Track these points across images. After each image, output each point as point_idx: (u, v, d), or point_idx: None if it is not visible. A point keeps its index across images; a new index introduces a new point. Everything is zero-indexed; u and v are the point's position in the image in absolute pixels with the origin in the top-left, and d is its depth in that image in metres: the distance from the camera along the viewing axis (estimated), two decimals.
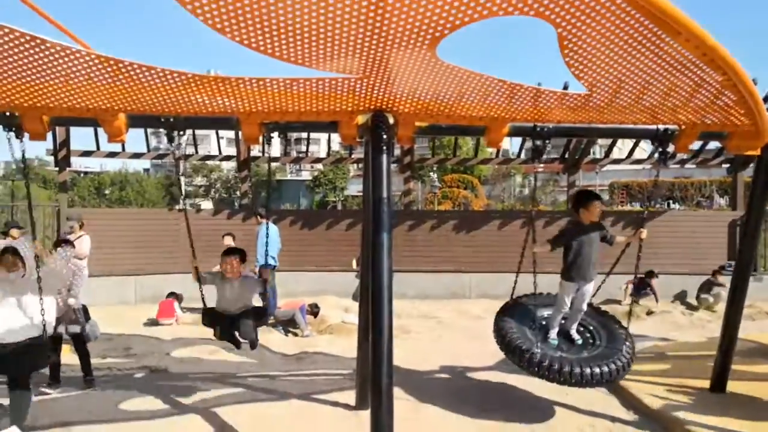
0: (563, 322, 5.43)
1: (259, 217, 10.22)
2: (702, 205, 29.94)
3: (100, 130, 4.57)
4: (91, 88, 3.66)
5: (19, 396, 4.68)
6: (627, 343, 5.24)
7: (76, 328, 6.23)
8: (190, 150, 13.94)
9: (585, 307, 5.38)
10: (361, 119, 4.31)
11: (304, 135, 14.91)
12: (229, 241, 9.41)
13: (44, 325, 4.54)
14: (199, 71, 3.39)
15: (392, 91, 3.76)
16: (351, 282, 10.38)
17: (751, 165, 8.77)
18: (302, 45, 2.86)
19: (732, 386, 5.86)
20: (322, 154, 16.12)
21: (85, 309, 6.36)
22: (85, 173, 50.44)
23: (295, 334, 9.09)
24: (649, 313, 10.94)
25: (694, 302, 11.72)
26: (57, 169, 12.53)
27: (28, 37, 2.88)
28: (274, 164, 27.67)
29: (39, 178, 45.61)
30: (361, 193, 16.99)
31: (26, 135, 4.32)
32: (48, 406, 5.68)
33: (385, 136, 4.15)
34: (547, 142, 4.75)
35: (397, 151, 13.41)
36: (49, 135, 8.30)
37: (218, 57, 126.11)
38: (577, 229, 5.28)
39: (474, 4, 2.49)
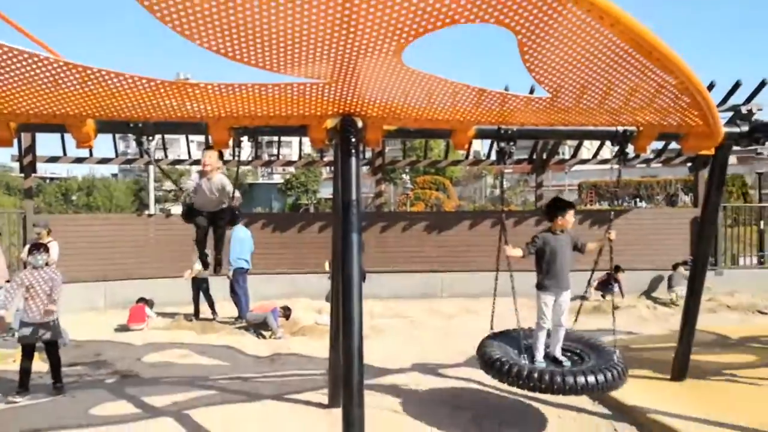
0: (547, 348, 5.19)
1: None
2: (674, 202, 30.70)
3: (67, 136, 4.53)
4: (59, 95, 3.66)
5: None
6: (617, 353, 5.03)
7: (50, 335, 6.19)
8: (159, 154, 13.80)
9: (564, 321, 5.21)
10: (330, 123, 4.37)
11: (276, 138, 14.85)
12: None
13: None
14: (168, 76, 3.42)
15: (360, 96, 3.85)
16: (324, 284, 10.41)
17: None
18: (271, 51, 2.92)
19: (691, 375, 6.15)
20: (294, 157, 16.07)
21: None
22: (52, 179, 49.37)
23: (268, 337, 9.10)
24: (615, 308, 11.18)
25: (659, 296, 12.09)
26: (22, 175, 12.28)
27: None
28: (245, 167, 27.55)
29: (3, 184, 44.49)
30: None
31: None
32: (16, 413, 5.63)
33: (353, 140, 4.23)
34: (512, 143, 4.87)
35: (368, 154, 13.48)
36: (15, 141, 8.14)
37: (188, 59, 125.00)
38: (551, 236, 5.27)
39: (437, 13, 2.60)
